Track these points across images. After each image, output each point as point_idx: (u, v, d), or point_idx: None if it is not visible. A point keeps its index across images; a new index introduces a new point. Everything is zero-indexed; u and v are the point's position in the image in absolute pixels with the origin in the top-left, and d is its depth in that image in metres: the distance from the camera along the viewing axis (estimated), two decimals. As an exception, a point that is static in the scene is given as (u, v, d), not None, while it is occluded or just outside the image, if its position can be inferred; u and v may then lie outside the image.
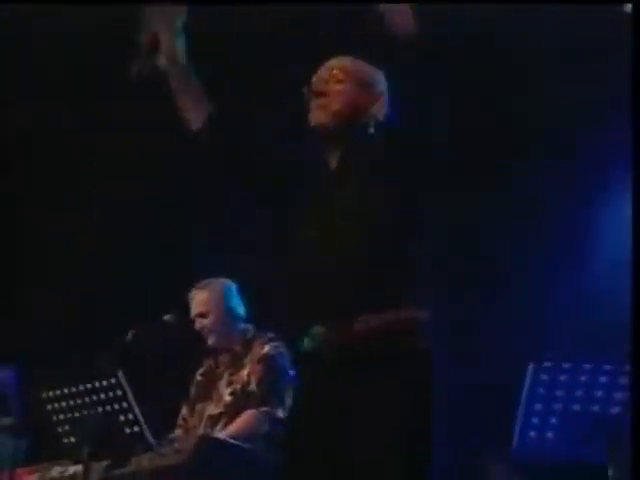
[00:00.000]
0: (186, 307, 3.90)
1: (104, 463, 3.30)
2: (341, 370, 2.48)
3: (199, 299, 3.87)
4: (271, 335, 3.83)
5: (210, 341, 3.86)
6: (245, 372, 3.77)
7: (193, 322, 3.87)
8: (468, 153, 4.80)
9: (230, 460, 3.34)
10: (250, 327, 3.91)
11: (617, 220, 4.85)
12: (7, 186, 5.60)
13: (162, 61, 2.80)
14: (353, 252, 2.54)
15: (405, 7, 2.56)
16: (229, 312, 3.88)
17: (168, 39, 2.78)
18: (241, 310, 3.93)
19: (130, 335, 3.61)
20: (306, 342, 2.55)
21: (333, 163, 2.68)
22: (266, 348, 3.77)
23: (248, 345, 3.84)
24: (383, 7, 2.59)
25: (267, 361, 3.73)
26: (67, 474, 3.35)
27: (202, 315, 3.84)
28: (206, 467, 3.26)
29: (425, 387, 2.47)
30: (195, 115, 2.72)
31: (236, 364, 3.82)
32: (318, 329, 2.52)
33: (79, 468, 3.28)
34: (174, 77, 2.76)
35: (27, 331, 5.06)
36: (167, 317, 3.75)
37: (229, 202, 4.43)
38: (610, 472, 2.61)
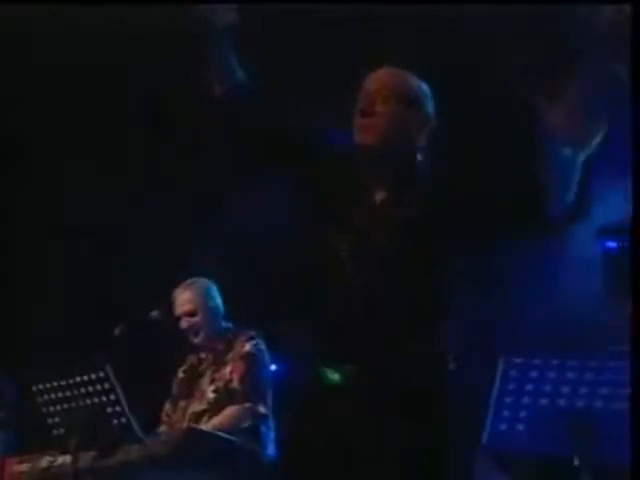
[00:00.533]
0: (170, 305, 3.91)
1: (92, 454, 3.28)
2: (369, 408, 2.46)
3: (184, 298, 3.89)
4: (252, 333, 3.84)
5: (196, 339, 3.87)
6: (228, 370, 3.79)
7: (178, 320, 3.88)
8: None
9: (215, 451, 3.34)
10: (231, 325, 3.94)
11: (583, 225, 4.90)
12: (7, 184, 5.57)
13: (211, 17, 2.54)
14: (391, 294, 2.46)
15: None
16: (213, 310, 3.92)
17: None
18: (222, 309, 3.96)
19: (118, 330, 3.64)
20: (335, 376, 2.50)
21: (378, 194, 2.51)
22: (247, 346, 3.79)
23: (230, 343, 3.86)
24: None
25: (249, 358, 3.76)
26: (56, 464, 3.34)
27: (189, 314, 3.86)
28: (192, 457, 3.25)
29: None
30: (222, 80, 2.56)
31: (219, 362, 3.84)
32: (349, 368, 2.48)
33: (67, 458, 3.25)
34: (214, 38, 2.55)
35: (17, 326, 5.05)
36: (153, 313, 3.78)
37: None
38: (575, 462, 2.59)
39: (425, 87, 2.54)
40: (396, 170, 2.50)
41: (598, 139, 2.42)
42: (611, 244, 4.60)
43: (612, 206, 5.10)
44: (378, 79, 2.51)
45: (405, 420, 2.44)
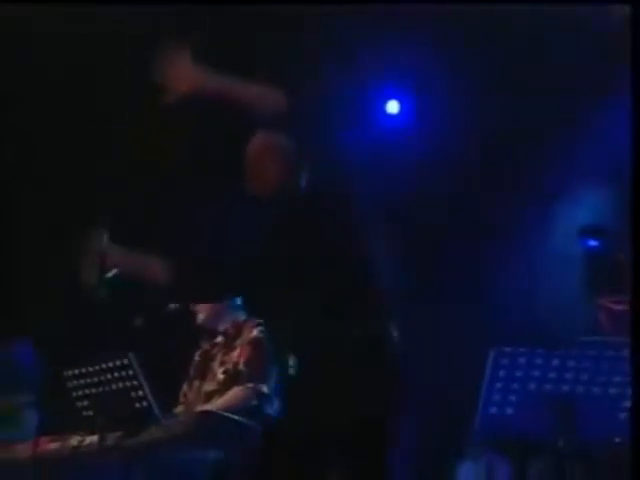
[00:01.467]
0: None
1: (117, 434, 3.35)
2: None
3: None
4: (259, 320, 3.93)
5: (203, 325, 3.99)
6: (236, 353, 3.88)
7: (194, 310, 3.98)
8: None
9: (225, 430, 3.41)
10: (242, 313, 4.03)
11: (565, 223, 4.98)
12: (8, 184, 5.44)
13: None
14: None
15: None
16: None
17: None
18: (234, 299, 4.03)
19: (140, 320, 3.72)
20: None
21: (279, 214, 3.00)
22: (254, 332, 3.88)
23: (239, 329, 3.95)
24: None
25: (255, 343, 3.85)
26: (84, 443, 3.39)
27: None
28: (204, 436, 3.34)
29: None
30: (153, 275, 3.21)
31: (228, 346, 3.94)
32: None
33: (95, 438, 3.33)
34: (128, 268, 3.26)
35: (46, 314, 5.09)
36: (173, 305, 3.86)
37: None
38: (560, 443, 2.68)
39: (289, 142, 3.03)
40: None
41: None
42: (592, 242, 4.67)
43: (592, 208, 5.20)
44: (258, 142, 3.06)
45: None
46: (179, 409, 3.92)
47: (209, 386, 3.90)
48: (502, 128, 5.11)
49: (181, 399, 3.99)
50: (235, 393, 3.74)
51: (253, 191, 3.01)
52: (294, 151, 3.02)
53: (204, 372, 3.97)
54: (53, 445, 3.46)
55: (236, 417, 3.50)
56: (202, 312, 3.98)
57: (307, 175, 3.00)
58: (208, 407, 3.70)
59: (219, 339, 3.99)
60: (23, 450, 3.52)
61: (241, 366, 3.82)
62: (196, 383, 3.96)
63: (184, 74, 2.90)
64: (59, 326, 4.88)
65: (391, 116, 5.57)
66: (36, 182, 5.47)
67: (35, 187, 5.49)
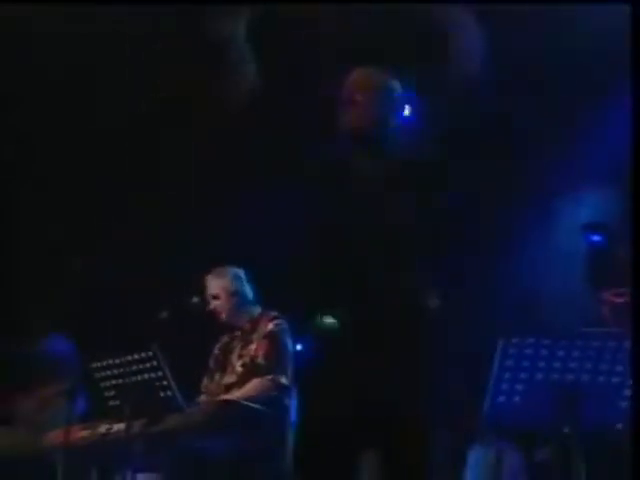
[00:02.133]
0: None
1: (143, 421, 3.41)
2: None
3: (215, 283, 4.02)
4: (275, 314, 3.96)
5: (223, 319, 4.01)
6: (253, 346, 3.91)
7: (208, 302, 4.01)
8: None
9: (245, 419, 3.49)
10: (257, 308, 4.06)
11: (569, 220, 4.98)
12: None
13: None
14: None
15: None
16: (237, 295, 4.02)
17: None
18: (249, 293, 4.06)
19: (164, 314, 3.76)
20: (328, 320, 2.67)
21: (365, 162, 2.77)
22: (270, 325, 3.91)
23: (255, 323, 3.98)
24: None
25: (271, 336, 3.87)
26: (112, 430, 3.46)
27: (215, 297, 4.00)
28: (225, 424, 3.41)
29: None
30: (237, 91, 2.81)
31: (246, 339, 3.97)
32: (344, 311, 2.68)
33: (122, 426, 3.38)
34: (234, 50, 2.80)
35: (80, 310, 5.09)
36: (195, 300, 3.91)
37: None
38: (565, 430, 2.69)
39: (392, 78, 2.84)
40: (376, 141, 2.79)
41: None
42: (595, 237, 4.69)
43: (594, 205, 5.20)
44: (356, 75, 2.84)
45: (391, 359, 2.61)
46: (200, 400, 3.94)
47: (229, 378, 3.93)
48: (506, 128, 5.07)
49: (202, 390, 4.03)
50: (255, 384, 3.77)
51: (347, 126, 2.76)
52: (397, 89, 2.82)
53: (224, 365, 4.00)
54: (83, 432, 3.53)
55: (254, 405, 3.56)
56: (222, 312, 4.01)
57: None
58: (229, 397, 3.74)
59: (237, 333, 4.03)
60: (56, 437, 3.59)
61: (259, 359, 3.85)
62: (216, 375, 4.00)
63: None
64: (88, 319, 4.93)
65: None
66: (36, 182, 5.39)
67: (35, 187, 5.42)
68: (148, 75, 4.81)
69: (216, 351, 4.09)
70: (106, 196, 5.27)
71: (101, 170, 5.27)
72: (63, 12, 4.59)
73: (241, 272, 4.10)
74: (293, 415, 3.84)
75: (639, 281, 2.66)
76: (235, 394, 3.77)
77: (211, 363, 4.07)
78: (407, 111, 5.46)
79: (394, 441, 2.62)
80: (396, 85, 2.83)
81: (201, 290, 3.98)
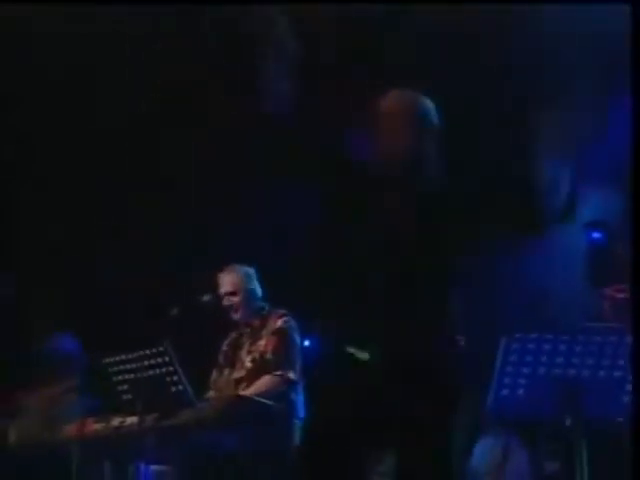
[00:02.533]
0: (217, 289, 4.03)
1: (154, 416, 3.44)
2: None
3: (227, 280, 4.03)
4: (283, 311, 3.98)
5: (236, 316, 4.02)
6: (262, 343, 3.93)
7: (221, 299, 4.02)
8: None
9: (254, 413, 3.50)
10: (266, 305, 4.08)
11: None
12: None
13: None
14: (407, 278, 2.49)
15: None
16: (251, 292, 4.05)
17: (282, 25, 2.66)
18: (258, 291, 4.09)
19: (175, 311, 3.77)
20: (361, 354, 2.53)
21: (393, 193, 2.53)
22: (279, 322, 3.93)
23: (264, 320, 3.99)
24: None
25: (280, 333, 3.90)
26: (125, 424, 3.49)
27: (231, 294, 4.01)
28: (235, 419, 3.42)
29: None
30: (273, 99, 2.65)
31: (255, 336, 3.98)
32: (373, 347, 2.50)
33: (134, 419, 3.42)
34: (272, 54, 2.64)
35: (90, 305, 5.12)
36: (206, 297, 3.92)
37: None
38: (567, 422, 2.70)
39: (430, 103, 2.59)
40: (411, 173, 2.58)
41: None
42: (596, 235, 4.71)
43: (596, 203, 5.20)
44: (395, 102, 2.55)
45: (420, 391, 2.47)
46: (210, 395, 3.96)
47: (238, 373, 3.95)
48: (508, 127, 5.04)
49: (211, 386, 4.04)
50: (265, 380, 3.80)
51: (379, 157, 2.50)
52: (431, 112, 2.52)
53: (233, 360, 4.02)
54: (97, 425, 3.57)
55: (265, 401, 3.58)
56: (239, 309, 4.01)
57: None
58: (241, 392, 3.76)
59: (246, 329, 4.05)
60: (71, 430, 3.62)
61: (269, 354, 3.88)
62: (226, 371, 4.02)
63: None
64: (101, 315, 4.96)
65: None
66: (36, 182, 5.35)
67: (35, 187, 5.37)
68: (148, 75, 4.76)
69: (225, 347, 4.11)
70: (120, 195, 5.26)
71: (110, 169, 5.25)
72: (63, 12, 4.52)
73: (251, 270, 4.12)
74: (301, 411, 3.86)
75: (639, 278, 2.65)
76: (246, 390, 3.79)
77: (220, 359, 4.09)
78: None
79: (403, 438, 2.59)
80: (432, 108, 2.56)
81: (211, 288, 3.99)
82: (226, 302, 4.02)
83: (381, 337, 2.51)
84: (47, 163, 5.23)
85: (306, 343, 4.03)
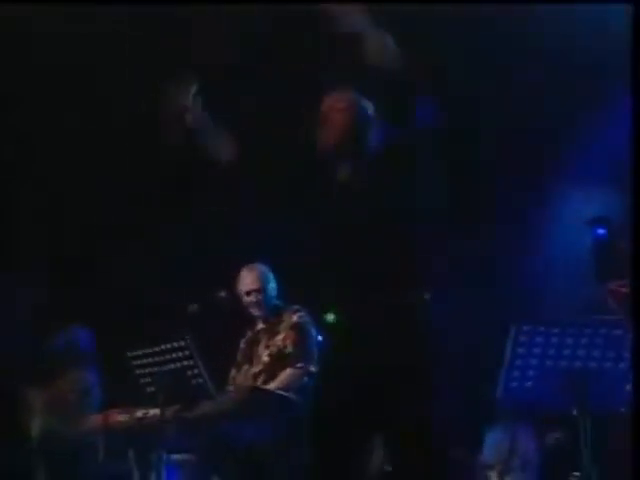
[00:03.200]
0: (233, 286, 4.08)
1: (176, 407, 3.47)
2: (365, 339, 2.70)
3: (250, 278, 4.07)
4: (297, 307, 4.03)
5: (257, 312, 4.07)
6: (280, 337, 3.96)
7: (242, 297, 4.07)
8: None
9: (271, 404, 3.55)
10: (280, 302, 4.12)
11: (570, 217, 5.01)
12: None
13: (190, 124, 2.90)
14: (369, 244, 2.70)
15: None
16: (265, 290, 4.08)
17: (192, 106, 2.89)
18: (274, 289, 4.13)
19: (194, 307, 3.81)
20: (330, 317, 2.77)
21: (343, 176, 2.82)
22: (295, 317, 3.98)
23: (280, 316, 4.03)
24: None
25: (298, 327, 3.94)
26: (148, 415, 3.54)
27: (253, 291, 4.05)
28: (253, 410, 3.47)
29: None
30: (223, 151, 2.89)
31: (271, 331, 4.02)
32: (343, 308, 2.73)
33: (157, 411, 3.45)
34: (201, 133, 2.90)
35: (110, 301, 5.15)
36: (221, 294, 3.94)
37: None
38: (574, 412, 2.74)
39: (364, 100, 2.90)
40: (353, 156, 2.85)
41: None
42: (600, 231, 4.72)
43: (600, 201, 5.23)
44: (332, 97, 2.91)
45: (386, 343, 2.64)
46: (229, 388, 3.99)
47: (255, 368, 3.99)
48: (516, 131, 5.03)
49: (230, 381, 4.08)
50: (288, 374, 3.84)
51: (322, 146, 2.83)
52: (366, 107, 2.87)
53: (250, 357, 4.06)
54: (121, 417, 3.61)
55: (283, 392, 3.63)
56: (260, 306, 4.05)
57: (377, 134, 2.84)
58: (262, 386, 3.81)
59: (262, 326, 4.09)
60: (96, 421, 3.66)
61: (288, 348, 3.91)
62: (244, 367, 4.06)
63: None
64: (125, 312, 4.99)
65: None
66: (36, 181, 5.29)
67: (35, 186, 5.31)
68: (148, 75, 4.60)
69: (242, 345, 4.15)
70: (145, 194, 5.25)
71: (131, 168, 5.22)
72: (63, 12, 4.47)
73: (268, 269, 4.16)
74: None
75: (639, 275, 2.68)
76: (266, 383, 3.83)
77: (238, 357, 4.13)
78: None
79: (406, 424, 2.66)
80: (368, 104, 2.90)
81: (226, 285, 4.02)
82: (248, 299, 4.06)
83: (344, 297, 2.72)
84: (65, 159, 5.17)
85: (319, 338, 4.04)
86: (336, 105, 2.87)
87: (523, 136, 5.14)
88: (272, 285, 4.11)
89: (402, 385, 2.65)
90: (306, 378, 3.80)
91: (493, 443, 5.82)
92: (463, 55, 4.74)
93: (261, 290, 4.05)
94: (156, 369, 3.47)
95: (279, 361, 3.90)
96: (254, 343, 4.08)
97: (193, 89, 2.90)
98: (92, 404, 3.95)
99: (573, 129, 5.08)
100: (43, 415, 4.62)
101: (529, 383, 2.73)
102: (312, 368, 3.83)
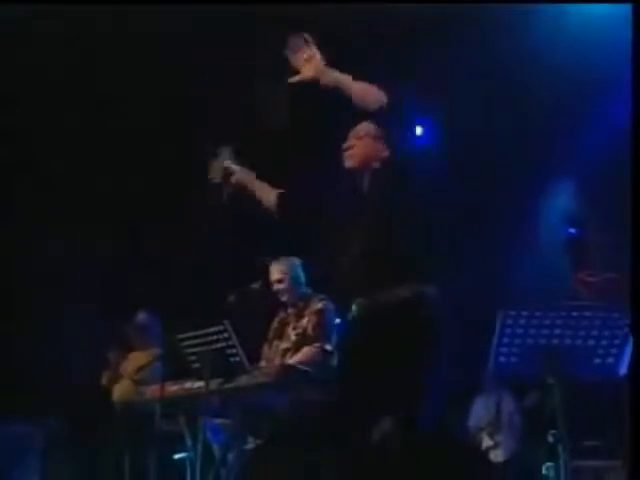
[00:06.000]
0: (267, 276, 4.26)
1: (218, 380, 3.62)
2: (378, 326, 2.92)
3: (277, 269, 4.27)
4: (322, 296, 4.21)
5: (283, 298, 4.27)
6: (305, 320, 4.16)
7: (272, 285, 4.26)
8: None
9: (299, 379, 3.70)
10: (308, 290, 4.30)
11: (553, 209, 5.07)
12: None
13: (235, 181, 3.15)
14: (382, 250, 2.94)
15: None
16: (295, 279, 4.28)
17: (236, 168, 3.15)
18: (303, 278, 4.31)
19: (232, 297, 3.98)
20: (354, 309, 2.98)
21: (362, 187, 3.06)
22: (319, 304, 4.16)
23: (307, 302, 4.23)
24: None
25: (320, 313, 4.13)
26: (195, 386, 3.69)
27: (279, 281, 4.25)
28: (283, 383, 3.62)
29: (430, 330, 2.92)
30: (267, 200, 3.16)
31: (299, 315, 4.22)
32: (360, 301, 2.96)
33: (202, 384, 3.60)
34: (247, 187, 3.15)
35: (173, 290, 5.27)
36: (255, 285, 4.11)
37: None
38: (550, 380, 2.85)
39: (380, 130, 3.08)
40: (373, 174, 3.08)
41: None
42: (571, 230, 4.81)
43: (571, 201, 5.33)
44: (357, 129, 3.12)
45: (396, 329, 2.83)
46: (262, 364, 4.18)
47: (285, 344, 4.18)
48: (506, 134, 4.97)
49: (262, 357, 4.26)
50: (306, 351, 4.02)
51: (346, 163, 3.06)
52: (382, 136, 3.08)
53: (281, 335, 4.25)
54: (174, 388, 3.77)
55: (306, 368, 3.79)
56: (285, 293, 4.22)
57: (389, 156, 3.05)
58: (287, 361, 4.00)
59: (291, 310, 4.28)
60: (154, 391, 3.86)
61: (310, 330, 4.10)
62: (275, 343, 4.24)
63: (313, 62, 2.85)
64: (177, 300, 5.15)
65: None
66: (36, 181, 5.09)
67: (35, 186, 5.10)
68: (149, 75, 4.56)
69: (275, 324, 4.32)
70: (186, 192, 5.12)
71: (165, 165, 5.21)
72: (63, 12, 4.23)
73: (298, 261, 4.33)
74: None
75: (638, 274, 2.74)
76: (292, 359, 4.01)
77: (270, 334, 4.30)
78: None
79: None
80: (381, 134, 3.08)
81: (261, 277, 4.18)
82: (275, 287, 4.25)
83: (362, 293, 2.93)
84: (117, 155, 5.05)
85: (337, 320, 4.25)
86: (364, 133, 3.07)
87: (517, 135, 5.07)
88: (299, 275, 4.29)
89: (408, 361, 2.85)
90: (322, 355, 3.98)
91: (483, 408, 6.03)
92: (463, 55, 4.68)
93: (286, 279, 4.23)
94: (201, 349, 3.61)
95: (304, 340, 4.09)
96: (285, 324, 4.26)
97: (230, 151, 3.13)
98: (155, 376, 4.13)
99: (570, 129, 5.01)
100: (124, 381, 4.87)
101: (514, 359, 2.86)
102: (328, 347, 4.01)
